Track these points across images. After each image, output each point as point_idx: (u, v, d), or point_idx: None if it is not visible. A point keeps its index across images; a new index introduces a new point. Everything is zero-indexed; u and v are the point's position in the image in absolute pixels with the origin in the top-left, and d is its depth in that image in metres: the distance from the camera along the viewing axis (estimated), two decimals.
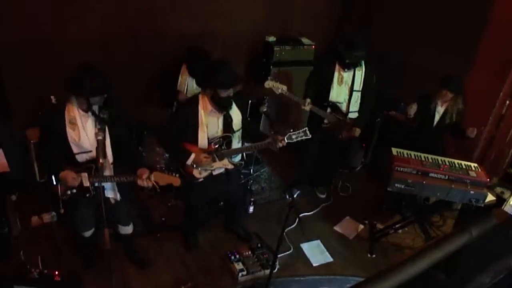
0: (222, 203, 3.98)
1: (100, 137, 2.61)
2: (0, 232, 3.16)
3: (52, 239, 3.09)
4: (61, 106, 2.66)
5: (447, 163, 3.44)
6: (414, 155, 3.53)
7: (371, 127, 4.76)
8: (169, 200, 4.04)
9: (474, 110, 3.85)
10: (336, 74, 3.76)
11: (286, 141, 3.09)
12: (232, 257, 3.47)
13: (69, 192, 2.71)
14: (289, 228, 3.89)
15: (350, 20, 5.54)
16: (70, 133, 2.62)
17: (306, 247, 3.80)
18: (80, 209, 2.88)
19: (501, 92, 4.03)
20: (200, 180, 3.16)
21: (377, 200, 4.32)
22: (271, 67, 4.98)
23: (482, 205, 3.31)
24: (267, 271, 3.29)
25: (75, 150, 2.67)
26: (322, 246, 3.83)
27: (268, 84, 3.67)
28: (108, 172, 2.78)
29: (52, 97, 3.70)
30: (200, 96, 3.03)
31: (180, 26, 4.44)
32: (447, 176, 3.32)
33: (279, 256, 3.31)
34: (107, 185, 2.80)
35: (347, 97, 3.83)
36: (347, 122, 3.89)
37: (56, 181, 2.64)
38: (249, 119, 3.64)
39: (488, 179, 3.33)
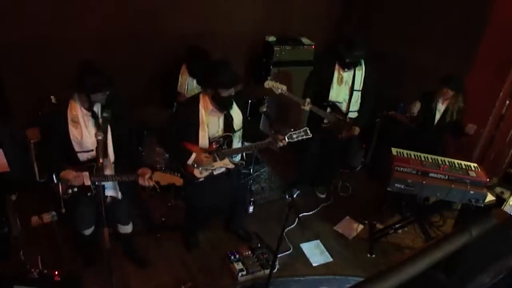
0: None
1: (100, 137, 2.61)
2: (0, 232, 3.17)
3: (52, 239, 3.08)
4: (63, 105, 2.66)
5: (447, 163, 3.44)
6: (414, 155, 3.53)
7: (371, 127, 4.76)
8: (169, 200, 4.04)
9: (474, 110, 3.86)
10: (335, 74, 3.76)
11: (286, 140, 3.09)
12: (232, 257, 3.47)
13: (70, 191, 2.71)
14: (289, 228, 3.89)
15: (350, 20, 5.53)
16: (73, 131, 2.62)
17: (306, 247, 3.80)
18: (81, 207, 2.88)
19: (501, 92, 4.04)
20: (201, 179, 3.16)
21: (377, 200, 4.32)
22: (271, 67, 4.98)
23: (482, 205, 3.31)
24: (267, 271, 3.30)
25: (77, 148, 2.68)
26: (322, 246, 3.83)
27: (268, 84, 3.67)
28: (109, 171, 2.79)
29: (52, 97, 3.72)
30: (201, 96, 3.03)
31: (180, 26, 4.44)
32: (447, 176, 3.32)
33: (279, 256, 3.31)
34: (108, 184, 2.81)
35: (347, 97, 3.83)
36: (347, 122, 3.89)
37: (56, 180, 2.64)
38: (249, 118, 3.64)
39: (488, 179, 3.34)
